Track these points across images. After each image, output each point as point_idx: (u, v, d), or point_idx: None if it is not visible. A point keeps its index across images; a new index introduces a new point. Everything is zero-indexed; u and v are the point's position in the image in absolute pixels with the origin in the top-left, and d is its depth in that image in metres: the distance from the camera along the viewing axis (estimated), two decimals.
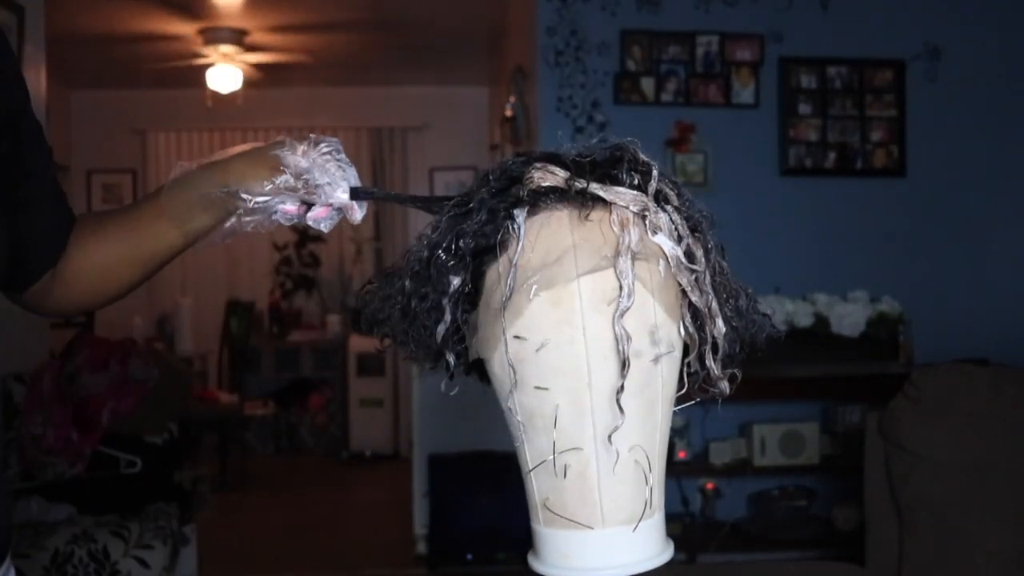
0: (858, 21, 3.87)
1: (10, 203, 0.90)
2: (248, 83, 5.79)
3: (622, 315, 0.73)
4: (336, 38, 5.49)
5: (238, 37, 5.32)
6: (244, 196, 0.89)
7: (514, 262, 0.76)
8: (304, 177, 0.89)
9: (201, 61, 5.57)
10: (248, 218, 0.91)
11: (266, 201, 0.90)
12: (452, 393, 0.86)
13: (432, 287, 0.79)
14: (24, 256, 0.93)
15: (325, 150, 0.89)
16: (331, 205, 0.91)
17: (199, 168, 0.93)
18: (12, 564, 0.91)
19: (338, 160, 0.90)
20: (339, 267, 6.98)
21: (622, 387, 0.73)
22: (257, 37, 5.40)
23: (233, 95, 5.71)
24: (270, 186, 0.89)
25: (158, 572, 2.73)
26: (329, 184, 0.89)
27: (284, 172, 0.89)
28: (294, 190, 0.90)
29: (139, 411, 3.16)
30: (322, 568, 3.99)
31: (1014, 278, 3.94)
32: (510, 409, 0.78)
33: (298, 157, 0.89)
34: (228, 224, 0.92)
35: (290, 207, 0.91)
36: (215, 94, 5.67)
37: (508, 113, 4.41)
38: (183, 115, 6.66)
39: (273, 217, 0.91)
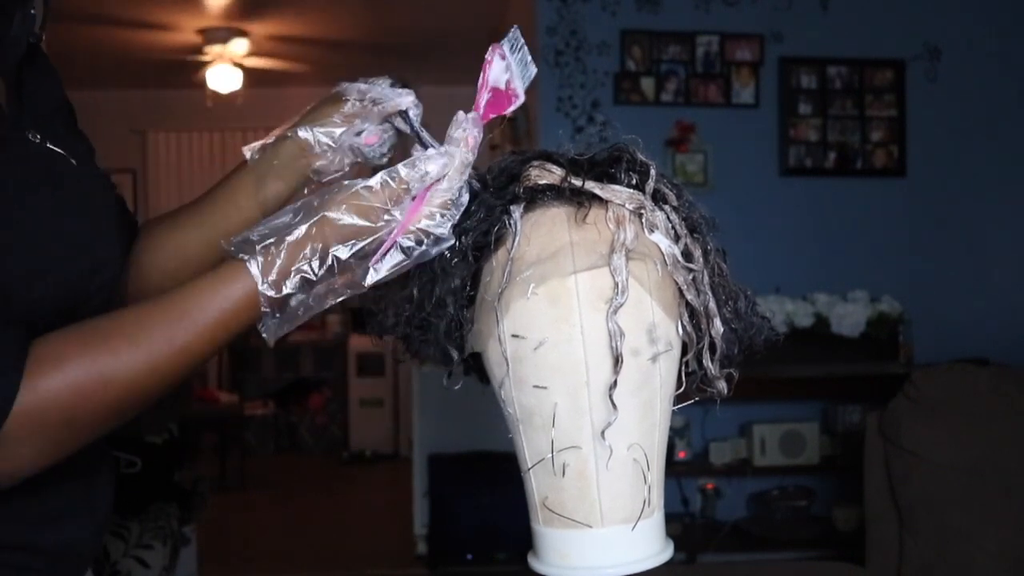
0: (858, 21, 3.86)
1: None
2: (248, 83, 5.79)
3: (615, 311, 0.73)
4: (336, 36, 5.49)
5: (238, 37, 5.32)
6: (308, 131, 0.90)
7: (510, 256, 0.76)
8: (369, 96, 0.90)
9: (201, 60, 5.57)
10: (321, 162, 0.91)
11: (339, 135, 0.90)
12: (456, 387, 0.87)
13: (439, 285, 0.80)
14: None
15: (382, 81, 0.92)
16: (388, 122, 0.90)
17: (275, 139, 0.94)
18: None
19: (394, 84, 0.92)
20: None
21: (615, 383, 0.73)
22: (257, 35, 5.40)
23: (233, 95, 5.71)
24: (338, 116, 0.90)
25: (158, 572, 2.73)
26: (389, 97, 0.89)
27: (348, 102, 0.90)
28: (363, 114, 0.90)
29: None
30: (322, 568, 3.99)
31: (1014, 278, 3.94)
32: (504, 401, 0.78)
33: (357, 84, 0.91)
34: (316, 165, 0.91)
35: (370, 137, 0.91)
36: (215, 94, 5.67)
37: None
38: (183, 115, 6.66)
39: (352, 154, 0.91)
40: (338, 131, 0.90)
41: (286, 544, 4.36)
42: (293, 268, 0.75)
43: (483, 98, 0.80)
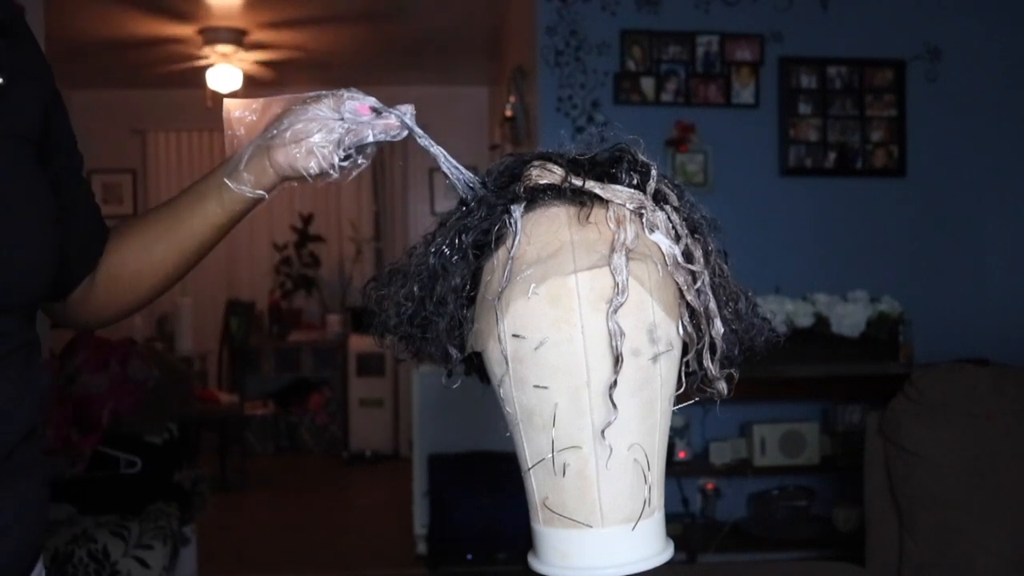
0: (858, 21, 3.86)
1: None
2: (248, 83, 5.79)
3: (615, 311, 0.73)
4: (336, 38, 5.49)
5: (237, 37, 5.33)
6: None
7: (511, 255, 0.76)
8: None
9: (201, 62, 5.58)
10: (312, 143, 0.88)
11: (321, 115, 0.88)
12: (455, 387, 0.87)
13: (440, 284, 0.80)
14: (65, 261, 0.90)
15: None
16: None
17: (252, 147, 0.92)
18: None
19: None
20: (339, 267, 6.98)
21: (615, 382, 0.73)
22: (256, 35, 5.40)
23: (233, 95, 5.70)
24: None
25: (158, 572, 2.73)
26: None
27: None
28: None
29: (139, 411, 3.16)
30: (322, 568, 3.99)
31: (1014, 278, 3.94)
32: (504, 400, 0.78)
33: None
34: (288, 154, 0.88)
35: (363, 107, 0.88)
36: (215, 94, 5.67)
37: (508, 113, 4.40)
38: (183, 115, 6.66)
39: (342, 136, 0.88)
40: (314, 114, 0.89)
41: (286, 544, 4.36)
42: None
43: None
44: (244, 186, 0.90)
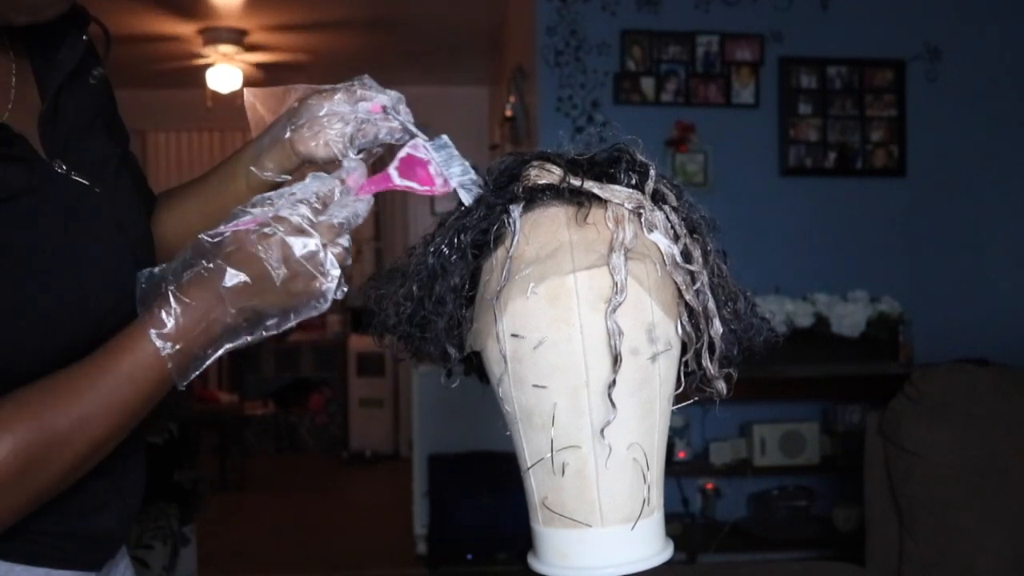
0: (858, 21, 3.86)
1: None
2: (248, 83, 5.79)
3: (614, 310, 0.73)
4: (336, 38, 5.49)
5: (238, 37, 5.33)
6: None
7: (510, 254, 0.76)
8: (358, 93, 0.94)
9: (201, 61, 5.57)
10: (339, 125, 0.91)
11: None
12: (454, 386, 0.87)
13: (439, 283, 0.80)
14: None
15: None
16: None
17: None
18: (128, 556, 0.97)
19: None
20: None
21: (614, 382, 0.73)
22: (257, 37, 5.40)
23: (233, 95, 5.71)
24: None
25: (158, 572, 2.73)
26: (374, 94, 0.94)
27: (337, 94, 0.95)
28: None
29: None
30: (322, 568, 3.99)
31: (1014, 278, 3.94)
32: (503, 399, 0.78)
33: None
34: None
35: (375, 106, 0.92)
36: (215, 94, 5.67)
37: (508, 113, 4.40)
38: (183, 115, 6.65)
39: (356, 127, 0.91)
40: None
41: (286, 544, 4.36)
42: (197, 347, 0.78)
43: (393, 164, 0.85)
44: (268, 172, 0.96)
